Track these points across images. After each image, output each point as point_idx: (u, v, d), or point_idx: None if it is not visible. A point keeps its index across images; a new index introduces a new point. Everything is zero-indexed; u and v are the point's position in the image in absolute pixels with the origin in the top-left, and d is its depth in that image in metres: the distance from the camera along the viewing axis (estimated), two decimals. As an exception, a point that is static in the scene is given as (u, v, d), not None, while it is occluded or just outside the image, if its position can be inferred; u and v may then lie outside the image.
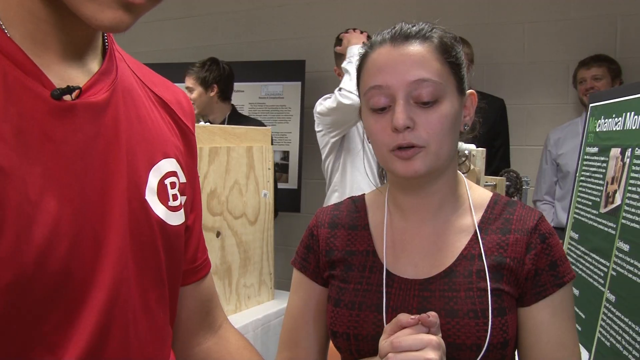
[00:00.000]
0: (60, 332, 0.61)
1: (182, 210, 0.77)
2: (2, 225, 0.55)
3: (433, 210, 1.03)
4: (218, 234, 2.09)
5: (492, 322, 0.93)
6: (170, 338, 0.79)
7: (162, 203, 0.72)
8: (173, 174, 0.75)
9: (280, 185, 3.68)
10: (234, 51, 4.16)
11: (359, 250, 1.06)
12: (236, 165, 2.17)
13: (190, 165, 0.82)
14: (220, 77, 3.21)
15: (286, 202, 3.71)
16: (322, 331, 1.10)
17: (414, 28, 0.99)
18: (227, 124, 3.11)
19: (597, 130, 1.63)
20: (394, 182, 1.07)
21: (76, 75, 0.64)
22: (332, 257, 1.07)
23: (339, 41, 2.76)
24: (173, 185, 0.74)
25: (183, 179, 0.77)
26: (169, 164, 0.74)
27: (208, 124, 2.75)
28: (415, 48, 0.96)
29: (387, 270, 1.01)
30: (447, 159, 0.99)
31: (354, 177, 2.78)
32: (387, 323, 0.96)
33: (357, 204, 1.13)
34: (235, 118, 3.25)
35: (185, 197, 0.78)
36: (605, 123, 1.58)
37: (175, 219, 0.74)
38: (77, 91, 0.62)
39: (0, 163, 0.55)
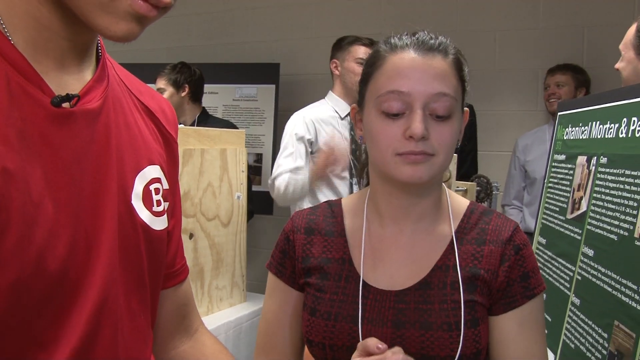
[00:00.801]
0: (52, 330, 0.63)
1: (165, 215, 0.78)
2: (7, 225, 0.57)
3: (413, 219, 1.04)
4: (191, 236, 2.09)
5: (465, 334, 0.94)
6: (151, 341, 0.80)
7: (147, 208, 0.74)
8: (157, 180, 0.77)
9: (254, 188, 3.68)
10: (208, 53, 4.14)
11: (334, 258, 1.05)
12: (210, 167, 2.17)
13: (172, 172, 0.83)
14: (192, 78, 3.25)
15: (259, 204, 3.71)
16: (297, 336, 1.09)
17: (436, 41, 0.99)
18: (197, 125, 3.13)
19: (565, 138, 1.68)
20: (378, 188, 1.05)
21: (72, 82, 0.66)
22: (307, 264, 1.06)
23: (338, 41, 2.77)
24: (157, 191, 0.76)
25: (166, 186, 0.79)
26: (153, 171, 0.76)
27: (182, 125, 2.74)
28: (438, 61, 0.97)
29: (363, 280, 1.01)
30: (444, 171, 1.01)
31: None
32: (362, 334, 0.97)
33: (334, 208, 1.12)
34: (204, 119, 3.26)
35: (167, 203, 0.79)
36: (572, 131, 1.62)
37: (159, 224, 0.76)
38: (75, 99, 0.64)
39: (6, 165, 0.57)
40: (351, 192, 2.51)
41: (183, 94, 3.22)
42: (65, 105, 0.63)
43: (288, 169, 2.52)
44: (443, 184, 1.09)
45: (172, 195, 0.83)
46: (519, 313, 0.98)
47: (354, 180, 2.58)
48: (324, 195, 2.61)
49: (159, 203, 0.76)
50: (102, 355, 0.67)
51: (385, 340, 0.93)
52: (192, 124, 3.21)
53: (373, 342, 0.90)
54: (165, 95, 3.18)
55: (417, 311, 0.97)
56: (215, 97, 3.91)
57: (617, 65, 1.80)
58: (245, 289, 2.43)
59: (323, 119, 2.64)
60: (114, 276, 0.68)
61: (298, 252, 1.07)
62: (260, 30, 4.10)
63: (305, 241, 1.08)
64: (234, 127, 3.27)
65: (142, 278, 0.74)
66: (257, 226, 3.84)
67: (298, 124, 2.60)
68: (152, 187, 0.75)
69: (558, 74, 3.15)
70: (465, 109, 1.04)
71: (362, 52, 2.59)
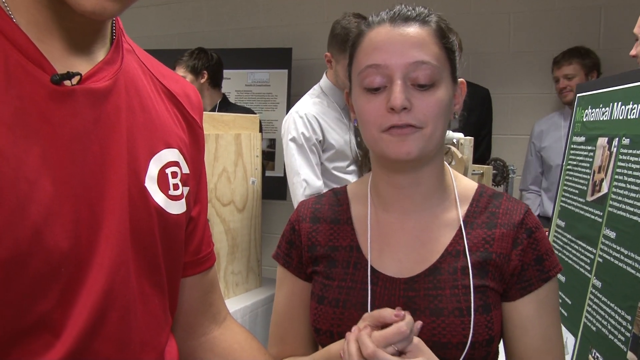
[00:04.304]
0: (59, 311, 0.62)
1: (184, 200, 0.77)
2: None
3: (418, 203, 1.01)
4: (206, 221, 2.10)
5: (476, 319, 0.92)
6: (168, 326, 0.80)
7: (162, 191, 0.73)
8: (175, 163, 0.76)
9: (267, 173, 3.68)
10: (220, 38, 4.13)
11: (342, 245, 1.03)
12: (224, 153, 2.17)
13: (196, 157, 0.82)
14: (209, 64, 3.22)
15: (272, 190, 3.71)
16: (308, 327, 1.07)
17: (414, 11, 0.97)
18: (217, 112, 3.12)
19: (584, 120, 1.65)
20: (378, 171, 1.03)
21: (80, 64, 0.66)
22: (314, 252, 1.04)
23: (337, 25, 2.37)
24: (174, 174, 0.75)
25: (186, 170, 0.78)
26: (170, 154, 0.75)
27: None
28: (415, 30, 0.94)
29: (371, 266, 0.99)
30: (437, 145, 0.97)
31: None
32: None
33: (339, 196, 1.09)
34: (225, 106, 3.25)
35: (188, 188, 0.78)
36: (592, 113, 1.60)
37: (176, 208, 0.76)
38: (77, 77, 0.64)
39: None
40: None
41: (202, 81, 3.20)
42: (67, 83, 0.63)
43: (320, 187, 2.27)
44: (447, 165, 1.06)
45: (196, 180, 0.82)
46: (535, 297, 0.97)
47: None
48: None
49: (176, 187, 0.75)
50: (112, 337, 0.67)
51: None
52: (212, 111, 3.21)
53: (388, 312, 0.87)
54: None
55: (427, 297, 0.95)
56: (228, 82, 3.90)
57: (633, 52, 1.76)
58: (260, 273, 2.44)
59: (323, 111, 2.35)
60: (124, 258, 0.68)
61: (304, 241, 1.05)
62: (272, 15, 4.07)
63: (310, 229, 1.06)
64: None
65: (157, 261, 0.74)
66: (270, 212, 3.85)
67: (299, 124, 2.28)
68: (168, 171, 0.75)
69: (564, 66, 3.06)
70: (461, 79, 1.02)
71: None
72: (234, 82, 3.95)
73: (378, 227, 1.03)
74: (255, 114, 2.88)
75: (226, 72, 3.48)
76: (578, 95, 1.77)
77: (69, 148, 0.63)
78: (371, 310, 0.94)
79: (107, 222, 0.66)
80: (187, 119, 0.82)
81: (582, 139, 1.64)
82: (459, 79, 1.02)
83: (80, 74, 0.64)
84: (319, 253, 1.04)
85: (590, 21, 3.27)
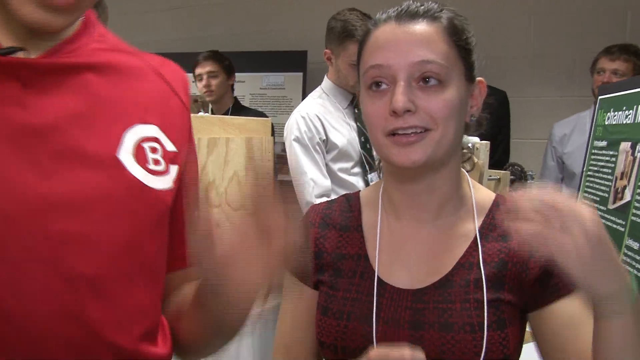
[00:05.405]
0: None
1: (169, 176, 0.76)
2: None
3: (432, 211, 0.96)
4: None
5: (490, 336, 0.86)
6: (156, 296, 0.78)
7: (139, 164, 0.73)
8: (154, 139, 0.75)
9: (281, 177, 3.64)
10: (234, 41, 4.12)
11: (349, 254, 0.98)
12: (235, 157, 2.14)
13: (180, 138, 0.81)
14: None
15: (282, 194, 3.67)
16: (313, 336, 1.01)
17: (422, 7, 0.92)
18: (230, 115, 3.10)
19: (606, 123, 1.59)
20: (389, 177, 0.99)
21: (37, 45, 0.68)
22: (321, 260, 0.99)
23: (333, 20, 2.41)
24: (154, 150, 0.75)
25: (171, 148, 0.77)
26: (147, 129, 0.75)
27: (206, 114, 2.72)
28: (422, 27, 0.90)
29: (378, 277, 0.94)
30: (449, 150, 0.91)
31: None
32: (376, 335, 0.90)
33: (351, 202, 1.04)
34: (237, 110, 3.23)
35: (176, 166, 0.78)
36: (614, 116, 1.54)
37: (159, 183, 0.75)
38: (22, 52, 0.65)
39: None
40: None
41: (231, 82, 3.20)
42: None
43: (329, 187, 2.22)
44: (465, 172, 1.00)
45: (184, 162, 0.81)
46: (576, 296, 0.87)
47: (370, 176, 2.31)
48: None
49: (156, 162, 0.75)
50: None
51: (402, 342, 0.86)
52: (225, 114, 3.18)
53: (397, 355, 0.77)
54: (218, 80, 3.15)
55: (437, 311, 0.89)
56: (242, 85, 3.88)
57: None
58: (271, 280, 2.40)
59: (325, 110, 2.31)
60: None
61: (311, 247, 1.01)
62: (287, 18, 4.05)
63: (318, 235, 1.01)
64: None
65: (139, 234, 0.73)
66: (284, 216, 3.82)
67: (301, 124, 2.25)
68: (146, 145, 0.74)
69: (619, 61, 2.70)
70: (480, 78, 0.96)
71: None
72: (248, 85, 3.94)
73: (389, 236, 0.98)
74: (267, 117, 2.85)
75: (241, 75, 3.47)
76: (600, 97, 1.71)
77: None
78: (376, 324, 0.90)
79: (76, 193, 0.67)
80: (172, 98, 0.82)
81: (604, 143, 1.58)
82: (478, 78, 0.96)
83: (23, 48, 0.65)
84: (325, 260, 0.99)
85: (616, 23, 3.18)
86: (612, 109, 1.57)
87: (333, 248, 1.00)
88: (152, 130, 0.76)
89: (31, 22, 0.62)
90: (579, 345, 0.86)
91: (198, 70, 3.18)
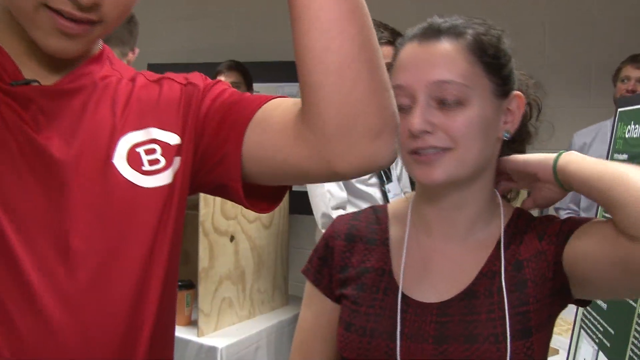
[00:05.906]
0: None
1: (167, 172, 0.78)
2: None
3: (462, 227, 0.95)
4: (232, 239, 2.06)
5: (515, 346, 0.85)
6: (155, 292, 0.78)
7: (132, 167, 0.76)
8: (148, 142, 0.78)
9: (295, 188, 3.64)
10: (249, 51, 4.12)
11: (373, 267, 0.97)
12: (251, 168, 2.13)
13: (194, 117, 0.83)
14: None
15: (299, 204, 3.66)
16: (333, 349, 1.01)
17: (446, 23, 0.92)
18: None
19: (627, 136, 1.57)
20: (420, 192, 0.98)
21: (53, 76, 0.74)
22: (346, 274, 0.99)
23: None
24: (150, 151, 0.78)
25: (175, 141, 0.79)
26: (141, 135, 0.78)
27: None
28: (443, 46, 0.89)
29: (402, 292, 0.93)
30: (475, 168, 0.90)
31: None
32: (400, 352, 0.89)
33: (379, 214, 1.04)
34: None
35: (179, 157, 0.79)
36: (635, 129, 1.51)
37: (150, 181, 0.77)
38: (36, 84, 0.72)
39: None
40: (385, 199, 2.25)
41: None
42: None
43: (345, 198, 2.21)
44: (496, 190, 0.99)
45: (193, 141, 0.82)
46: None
47: (387, 186, 2.30)
48: (354, 207, 2.28)
49: (153, 162, 0.77)
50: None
51: (425, 358, 0.86)
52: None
53: None
54: (240, 91, 3.17)
55: (462, 324, 0.88)
56: (257, 96, 3.89)
57: None
58: (287, 291, 2.39)
59: None
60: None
61: (337, 260, 1.00)
62: (302, 28, 4.05)
63: (345, 249, 1.00)
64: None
65: (128, 230, 0.75)
66: (297, 226, 3.80)
67: None
68: (140, 149, 0.77)
69: None
70: (516, 92, 0.95)
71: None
72: (263, 95, 3.94)
73: (418, 251, 0.97)
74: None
75: (256, 86, 3.47)
76: (619, 109, 1.68)
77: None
78: (400, 340, 0.89)
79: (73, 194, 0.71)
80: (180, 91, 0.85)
81: (625, 157, 1.55)
82: (514, 92, 0.95)
83: (38, 81, 0.71)
84: (349, 274, 0.98)
85: (635, 31, 3.14)
86: (632, 122, 1.54)
87: (359, 262, 0.99)
88: (147, 133, 0.79)
89: (51, 50, 0.68)
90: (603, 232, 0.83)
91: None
